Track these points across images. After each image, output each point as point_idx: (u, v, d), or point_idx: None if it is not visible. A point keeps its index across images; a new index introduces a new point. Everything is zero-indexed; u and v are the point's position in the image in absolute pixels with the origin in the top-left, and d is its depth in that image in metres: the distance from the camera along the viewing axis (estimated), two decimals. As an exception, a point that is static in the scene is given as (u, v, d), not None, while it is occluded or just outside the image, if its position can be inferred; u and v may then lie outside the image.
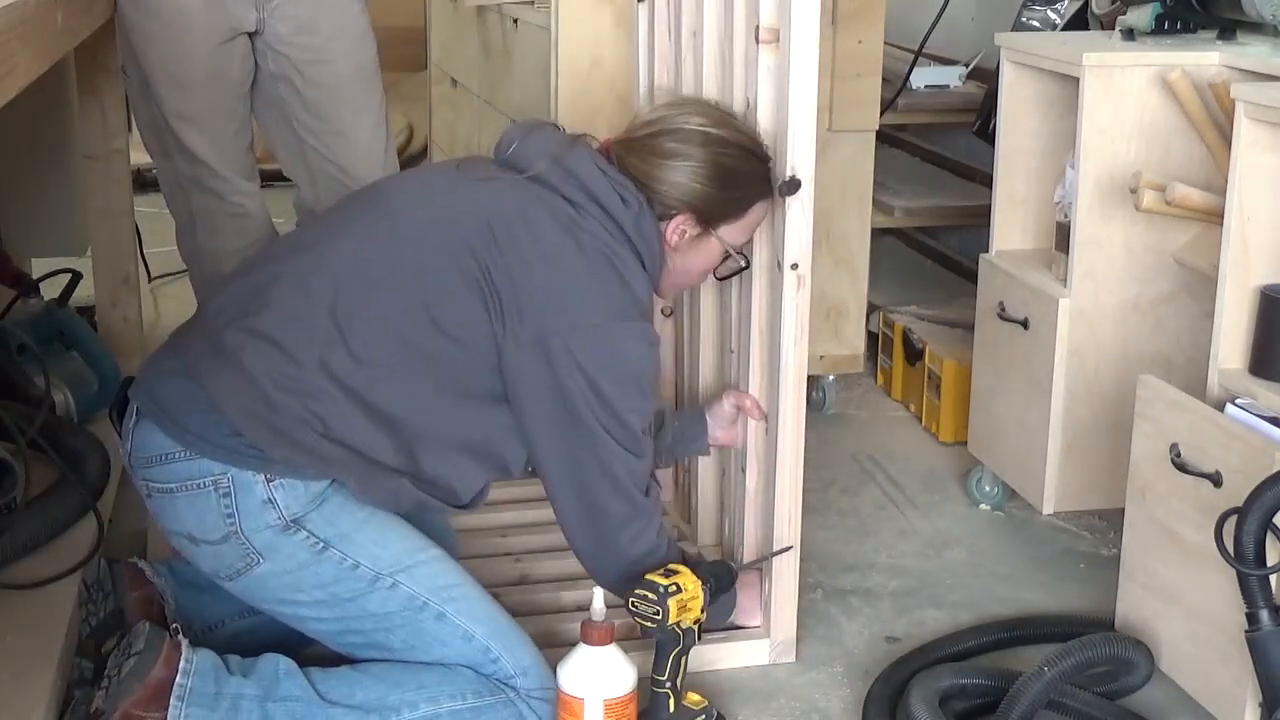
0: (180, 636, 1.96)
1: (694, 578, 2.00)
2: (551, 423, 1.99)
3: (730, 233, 2.11)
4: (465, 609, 1.98)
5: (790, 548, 2.19)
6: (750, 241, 2.16)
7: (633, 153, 2.08)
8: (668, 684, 1.99)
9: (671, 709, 2.00)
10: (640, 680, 2.01)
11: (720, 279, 2.23)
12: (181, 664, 1.91)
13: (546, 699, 1.98)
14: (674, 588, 1.97)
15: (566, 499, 2.05)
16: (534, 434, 2.01)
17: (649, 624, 1.97)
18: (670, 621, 1.96)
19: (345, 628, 1.98)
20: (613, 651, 1.98)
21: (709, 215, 2.08)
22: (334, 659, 2.03)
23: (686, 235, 2.08)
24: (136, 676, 1.89)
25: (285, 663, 1.96)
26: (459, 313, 1.96)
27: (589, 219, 2.01)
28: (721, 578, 2.08)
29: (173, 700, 1.89)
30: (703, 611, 2.01)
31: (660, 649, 1.99)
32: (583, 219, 2.01)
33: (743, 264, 2.16)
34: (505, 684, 1.97)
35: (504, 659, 1.97)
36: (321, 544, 1.93)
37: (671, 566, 2.02)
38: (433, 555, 2.00)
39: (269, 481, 1.90)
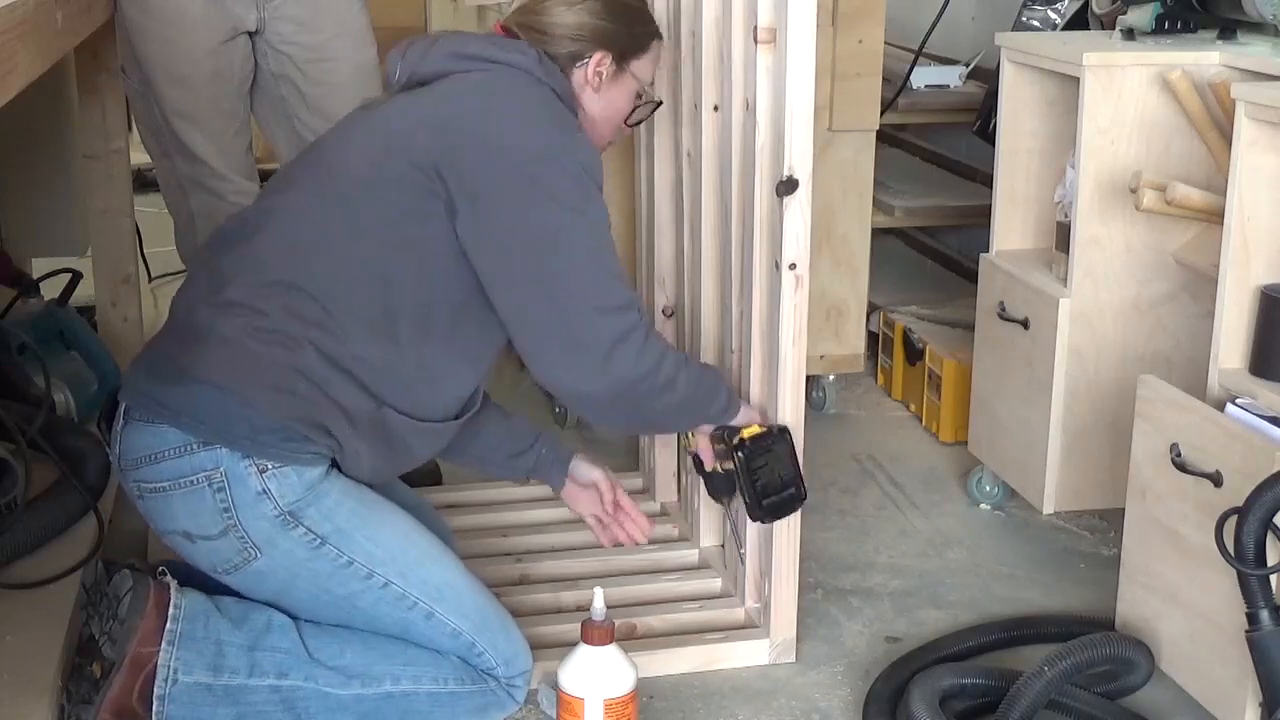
0: (167, 578, 1.97)
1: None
2: (522, 262, 1.96)
3: (641, 67, 2.16)
4: (454, 606, 2.01)
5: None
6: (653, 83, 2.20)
7: (526, 14, 2.14)
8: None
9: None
10: (640, 681, 2.02)
11: (632, 126, 2.23)
12: (170, 609, 1.93)
13: (525, 681, 2.04)
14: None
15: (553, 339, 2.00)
16: (505, 288, 1.98)
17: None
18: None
19: (338, 619, 2.01)
20: (613, 651, 1.99)
21: (622, 50, 2.13)
22: None
23: (604, 75, 2.12)
24: (136, 614, 1.91)
25: (279, 617, 1.98)
26: (409, 221, 1.97)
27: (499, 72, 2.04)
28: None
29: (163, 645, 1.91)
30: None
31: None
32: (493, 77, 2.04)
33: (657, 101, 2.20)
34: (488, 674, 2.02)
35: (488, 653, 2.02)
36: (318, 540, 1.94)
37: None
38: (424, 550, 2.03)
39: (262, 472, 1.91)
